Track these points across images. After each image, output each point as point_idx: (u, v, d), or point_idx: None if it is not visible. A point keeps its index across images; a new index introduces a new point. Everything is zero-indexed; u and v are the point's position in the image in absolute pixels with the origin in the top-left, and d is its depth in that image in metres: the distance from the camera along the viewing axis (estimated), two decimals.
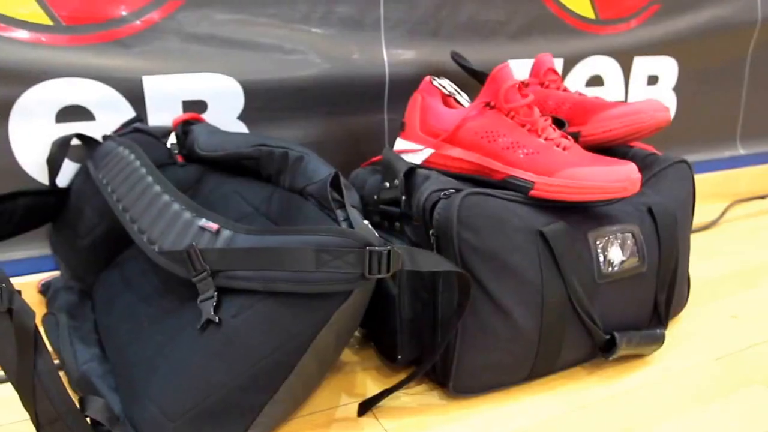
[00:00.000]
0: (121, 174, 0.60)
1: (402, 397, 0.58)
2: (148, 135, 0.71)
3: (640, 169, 0.67)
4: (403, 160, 0.62)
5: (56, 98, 0.68)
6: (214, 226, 0.52)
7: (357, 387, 0.60)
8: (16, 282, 0.72)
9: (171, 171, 0.69)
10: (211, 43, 0.74)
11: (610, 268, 0.59)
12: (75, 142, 0.70)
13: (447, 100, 0.65)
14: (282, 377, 0.49)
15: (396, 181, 0.59)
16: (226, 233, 0.51)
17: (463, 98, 0.64)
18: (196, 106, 0.76)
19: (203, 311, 0.50)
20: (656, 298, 0.63)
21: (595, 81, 1.02)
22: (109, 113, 0.71)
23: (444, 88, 0.64)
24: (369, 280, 0.47)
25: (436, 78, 0.65)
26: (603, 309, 0.59)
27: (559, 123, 0.66)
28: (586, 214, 0.59)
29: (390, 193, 0.60)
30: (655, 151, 0.72)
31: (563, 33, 0.97)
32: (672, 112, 1.12)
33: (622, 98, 1.06)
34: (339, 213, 0.51)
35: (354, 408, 0.57)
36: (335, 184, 0.52)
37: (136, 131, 0.71)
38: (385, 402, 0.57)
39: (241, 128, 0.79)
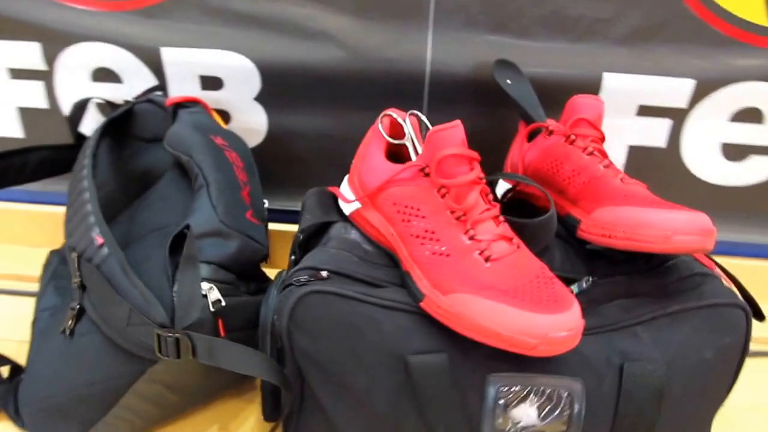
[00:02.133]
0: (80, 162, 0.63)
1: None
2: (157, 106, 0.72)
3: (665, 291, 0.47)
4: (323, 209, 0.53)
5: (90, 59, 0.73)
6: (99, 240, 0.52)
7: (233, 424, 0.58)
8: (56, 210, 0.84)
9: (160, 149, 0.70)
10: (229, 19, 0.70)
11: (513, 431, 0.44)
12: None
13: (399, 148, 0.52)
14: (107, 407, 0.50)
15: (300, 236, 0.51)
16: (104, 251, 0.51)
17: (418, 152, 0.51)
18: (212, 82, 0.74)
19: (64, 318, 0.52)
20: None
21: (748, 116, 0.71)
22: (134, 79, 0.74)
23: (399, 129, 0.51)
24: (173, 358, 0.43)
25: (395, 113, 0.52)
26: None
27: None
28: None
29: (293, 244, 0.52)
30: (713, 267, 0.49)
31: (707, 42, 0.68)
32: None
33: None
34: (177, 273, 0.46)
35: None
36: (182, 238, 0.47)
37: (147, 101, 0.73)
38: None
39: (259, 110, 0.75)
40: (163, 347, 0.43)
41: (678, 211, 0.44)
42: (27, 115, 0.77)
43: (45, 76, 0.74)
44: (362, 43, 0.70)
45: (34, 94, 0.76)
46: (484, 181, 0.45)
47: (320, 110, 0.74)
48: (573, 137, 0.52)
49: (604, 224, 0.46)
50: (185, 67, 0.72)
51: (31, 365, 0.55)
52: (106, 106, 0.75)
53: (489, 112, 0.72)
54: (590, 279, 0.51)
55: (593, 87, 0.70)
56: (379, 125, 0.51)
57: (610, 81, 0.70)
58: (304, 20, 0.70)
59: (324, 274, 0.45)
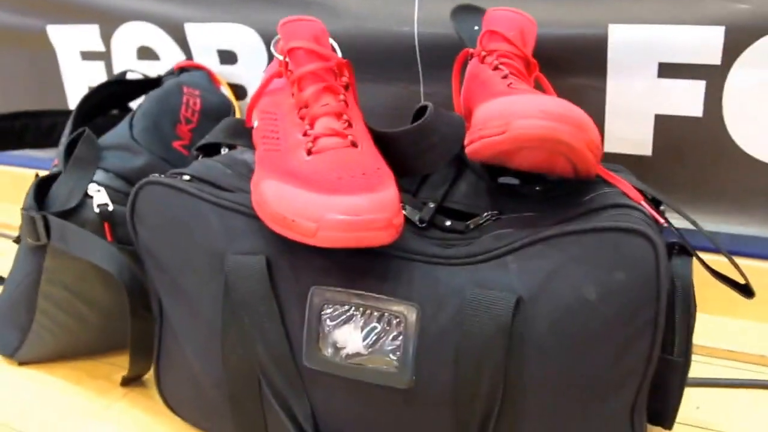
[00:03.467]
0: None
1: None
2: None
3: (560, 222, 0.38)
4: (230, 133, 0.52)
5: (134, 38, 0.83)
6: (55, 161, 0.59)
7: None
8: None
9: None
10: None
11: (336, 357, 0.37)
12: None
13: None
14: (31, 310, 0.52)
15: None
16: (55, 170, 0.57)
17: None
18: (228, 56, 0.79)
19: None
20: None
21: None
22: (169, 55, 0.83)
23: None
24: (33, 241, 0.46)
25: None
26: (320, 408, 0.38)
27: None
28: (329, 253, 0.37)
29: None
30: (639, 201, 0.38)
31: None
32: None
33: None
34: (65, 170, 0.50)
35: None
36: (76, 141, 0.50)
37: (169, 74, 0.81)
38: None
39: None
40: (29, 229, 0.45)
41: (533, 95, 0.35)
42: None
43: (104, 57, 0.87)
44: (354, 9, 0.70)
45: (97, 74, 0.89)
46: (341, 83, 0.42)
47: None
48: (484, 54, 0.45)
49: (469, 131, 0.39)
50: (204, 41, 0.79)
51: None
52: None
53: None
54: (491, 214, 0.42)
55: (597, 43, 0.60)
56: (272, 47, 0.50)
57: (619, 34, 0.60)
58: None
59: (186, 177, 0.45)
